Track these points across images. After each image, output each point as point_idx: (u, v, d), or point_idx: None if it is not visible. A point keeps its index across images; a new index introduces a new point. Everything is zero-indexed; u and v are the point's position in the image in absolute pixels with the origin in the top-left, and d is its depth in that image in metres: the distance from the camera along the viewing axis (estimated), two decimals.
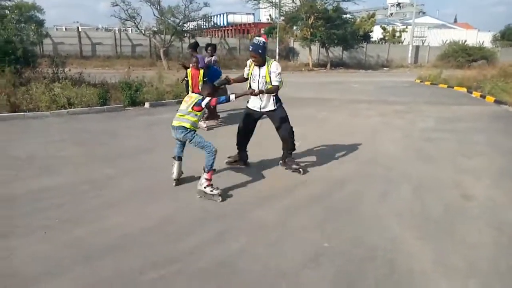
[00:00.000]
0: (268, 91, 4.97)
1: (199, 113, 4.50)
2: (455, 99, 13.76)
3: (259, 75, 5.00)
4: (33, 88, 9.43)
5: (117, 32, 29.57)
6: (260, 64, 4.97)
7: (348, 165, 5.84)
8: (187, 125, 4.41)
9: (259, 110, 5.21)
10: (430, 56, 36.38)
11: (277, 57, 29.53)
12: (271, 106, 5.17)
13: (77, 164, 5.59)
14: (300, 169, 5.38)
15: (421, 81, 20.38)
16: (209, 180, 4.42)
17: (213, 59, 8.47)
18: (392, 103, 12.51)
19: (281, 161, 5.64)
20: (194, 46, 8.56)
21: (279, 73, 4.97)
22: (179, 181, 4.86)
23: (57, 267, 3.04)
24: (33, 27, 14.44)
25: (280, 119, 5.24)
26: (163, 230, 3.69)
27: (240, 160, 5.57)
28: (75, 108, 9.35)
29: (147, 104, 10.52)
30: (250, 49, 4.91)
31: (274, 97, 5.14)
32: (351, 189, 4.89)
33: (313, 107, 11.30)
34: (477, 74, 17.95)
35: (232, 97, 4.50)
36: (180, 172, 4.87)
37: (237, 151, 5.53)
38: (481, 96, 14.20)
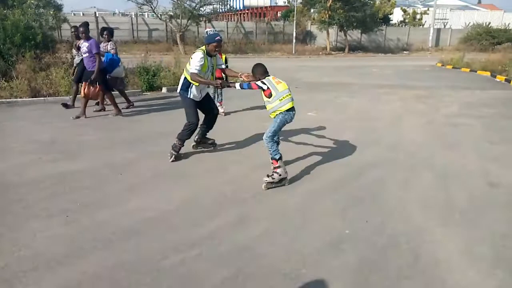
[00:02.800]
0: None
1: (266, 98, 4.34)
2: (478, 84, 13.35)
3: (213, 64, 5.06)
4: (52, 73, 9.52)
5: (133, 16, 29.61)
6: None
7: (370, 151, 5.72)
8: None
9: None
10: (452, 39, 35.31)
11: (294, 41, 29.10)
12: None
13: (98, 148, 5.64)
14: (173, 155, 5.12)
15: (442, 65, 19.84)
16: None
17: (109, 45, 7.77)
18: (413, 87, 12.21)
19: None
20: (111, 32, 8.05)
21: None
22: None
23: (79, 249, 3.07)
24: (51, 12, 14.54)
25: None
26: (183, 214, 3.69)
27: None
28: None
29: (164, 89, 10.52)
30: (219, 38, 4.92)
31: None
32: (373, 175, 4.79)
33: (332, 92, 11.12)
34: (502, 57, 17.36)
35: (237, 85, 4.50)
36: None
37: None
38: (506, 80, 13.74)
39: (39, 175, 4.54)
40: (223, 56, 7.77)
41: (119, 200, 3.96)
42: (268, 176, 4.29)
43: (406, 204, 4.00)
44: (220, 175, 4.71)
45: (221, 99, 8.03)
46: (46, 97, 8.91)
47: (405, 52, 32.71)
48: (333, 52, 29.85)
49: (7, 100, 8.49)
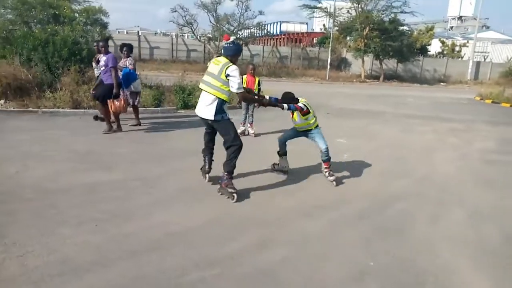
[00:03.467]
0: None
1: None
2: None
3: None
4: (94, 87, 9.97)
5: (174, 37, 30.76)
6: None
7: (399, 183, 5.61)
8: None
9: None
10: (492, 73, 34.36)
11: (328, 67, 29.23)
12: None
13: (131, 161, 5.83)
14: (234, 195, 4.50)
15: (481, 99, 19.28)
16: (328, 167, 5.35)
17: (128, 60, 7.89)
18: (448, 120, 11.93)
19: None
20: (130, 48, 8.05)
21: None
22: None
23: (105, 258, 3.16)
24: (98, 30, 15.37)
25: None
26: (206, 232, 3.73)
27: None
28: (131, 108, 9.77)
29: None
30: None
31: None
32: (401, 208, 4.69)
33: (364, 120, 11.03)
34: None
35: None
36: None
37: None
38: None
39: (73, 183, 4.74)
40: (257, 79, 7.95)
41: (146, 213, 4.06)
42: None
43: (435, 241, 3.88)
44: (245, 196, 4.73)
45: (252, 121, 8.15)
46: (86, 109, 9.34)
47: (442, 83, 32.09)
48: (367, 80, 29.70)
49: (51, 110, 8.97)
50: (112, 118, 7.55)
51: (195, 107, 10.50)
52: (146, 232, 3.65)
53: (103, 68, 7.25)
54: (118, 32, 36.56)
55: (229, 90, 4.39)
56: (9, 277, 2.83)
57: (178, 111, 10.51)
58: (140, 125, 8.41)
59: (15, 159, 5.50)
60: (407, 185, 5.55)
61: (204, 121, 4.64)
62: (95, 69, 8.08)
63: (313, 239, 3.76)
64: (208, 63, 4.66)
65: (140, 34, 30.70)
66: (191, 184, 5.00)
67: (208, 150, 4.98)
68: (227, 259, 3.28)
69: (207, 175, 5.05)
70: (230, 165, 4.52)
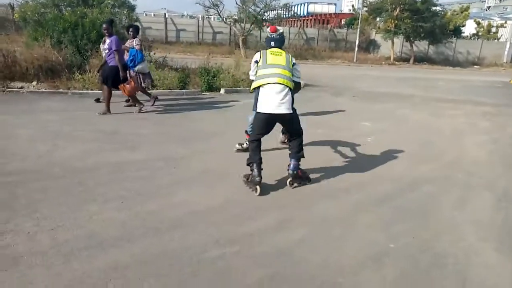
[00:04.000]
0: None
1: None
2: None
3: None
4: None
5: (200, 19, 30.72)
6: None
7: (426, 166, 5.49)
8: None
9: None
10: None
11: (356, 48, 28.57)
12: None
13: (155, 142, 5.95)
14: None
15: None
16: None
17: (135, 41, 7.76)
18: (481, 104, 11.49)
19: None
20: (136, 29, 7.95)
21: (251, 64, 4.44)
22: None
23: (129, 234, 3.27)
24: (125, 12, 15.51)
25: None
26: (227, 212, 3.80)
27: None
28: (157, 90, 9.92)
29: (222, 90, 10.83)
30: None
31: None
32: (426, 191, 4.60)
33: (391, 103, 10.78)
34: None
35: None
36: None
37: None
38: None
39: (100, 163, 4.89)
40: None
41: (168, 192, 4.16)
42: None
43: (459, 224, 3.80)
44: (265, 178, 4.74)
45: None
46: (113, 90, 9.52)
47: (475, 66, 30.79)
48: (396, 63, 28.86)
49: (80, 91, 9.22)
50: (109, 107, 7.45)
51: (219, 89, 10.49)
52: (168, 210, 3.75)
53: (107, 51, 7.23)
54: (146, 15, 36.76)
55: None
56: (41, 249, 2.98)
57: (203, 93, 10.58)
58: (157, 98, 8.36)
59: (46, 139, 5.72)
60: (434, 168, 5.42)
61: (271, 121, 4.28)
62: (102, 52, 7.98)
63: (333, 220, 3.76)
64: (258, 57, 4.35)
65: (166, 16, 30.80)
66: (213, 166, 5.07)
67: (260, 157, 4.38)
68: (247, 237, 3.33)
69: (258, 186, 4.25)
70: (299, 154, 4.42)
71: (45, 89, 9.16)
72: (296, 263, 3.01)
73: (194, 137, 6.36)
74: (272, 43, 4.33)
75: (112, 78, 7.28)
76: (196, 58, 15.45)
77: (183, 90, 10.38)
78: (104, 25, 7.31)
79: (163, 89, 10.11)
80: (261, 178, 4.21)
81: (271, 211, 3.88)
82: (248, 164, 4.36)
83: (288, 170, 4.41)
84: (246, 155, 5.06)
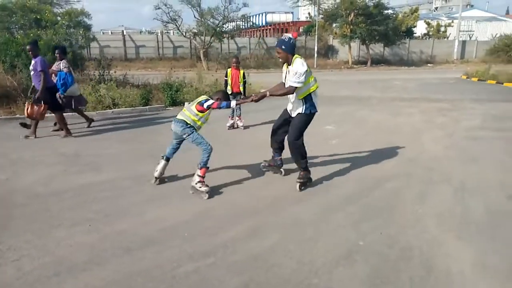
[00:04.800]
0: (273, 93, 4.64)
1: (200, 114, 4.49)
2: (504, 96, 13.06)
3: (286, 73, 4.61)
4: (80, 89, 9.94)
5: (159, 34, 30.54)
6: (285, 61, 4.57)
7: (387, 165, 5.71)
8: (187, 120, 4.48)
9: (289, 113, 4.84)
10: (478, 51, 34.72)
11: (315, 55, 29.30)
12: (299, 111, 4.61)
13: (121, 161, 5.87)
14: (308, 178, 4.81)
15: (467, 78, 19.52)
16: (201, 177, 4.47)
17: (62, 63, 7.45)
18: (436, 100, 12.07)
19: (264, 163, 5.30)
20: (62, 51, 7.73)
21: (298, 73, 4.35)
22: (160, 180, 4.90)
23: (99, 257, 3.21)
24: (81, 32, 15.23)
25: (292, 126, 4.68)
26: (200, 225, 3.80)
27: (273, 166, 5.24)
28: (119, 108, 9.79)
29: (186, 104, 10.78)
30: (275, 44, 4.74)
31: (304, 101, 4.56)
32: (389, 188, 4.79)
33: (352, 106, 11.13)
34: None
35: (232, 103, 4.50)
36: (162, 172, 4.88)
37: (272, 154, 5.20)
38: None
39: (65, 186, 4.77)
40: (241, 72, 7.99)
41: (138, 211, 4.11)
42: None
43: (422, 217, 3.99)
44: (237, 187, 4.81)
45: (240, 113, 8.20)
46: (73, 112, 9.30)
47: (429, 64, 32.30)
48: (355, 66, 29.81)
49: None
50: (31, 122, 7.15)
51: (183, 103, 10.47)
52: (139, 229, 3.71)
53: (32, 72, 6.94)
54: (103, 33, 36.26)
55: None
56: (6, 282, 2.87)
57: (167, 108, 10.52)
58: (93, 120, 8.25)
59: (5, 166, 5.51)
60: (396, 166, 5.65)
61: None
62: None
63: (304, 223, 3.85)
64: (306, 65, 4.48)
65: (125, 33, 30.42)
66: (183, 180, 5.05)
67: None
68: (220, 248, 3.35)
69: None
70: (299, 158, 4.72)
71: (1, 116, 8.82)
72: (270, 268, 3.06)
73: (161, 153, 6.26)
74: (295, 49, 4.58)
75: (52, 101, 7.02)
76: (158, 73, 15.34)
77: (147, 107, 10.28)
78: (28, 46, 7.05)
79: (126, 107, 9.97)
80: None
81: (244, 219, 3.92)
82: (305, 166, 4.72)
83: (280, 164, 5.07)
84: (220, 169, 5.12)
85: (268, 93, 4.58)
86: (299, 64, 4.38)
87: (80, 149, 6.47)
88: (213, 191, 4.59)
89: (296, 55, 4.51)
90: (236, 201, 4.35)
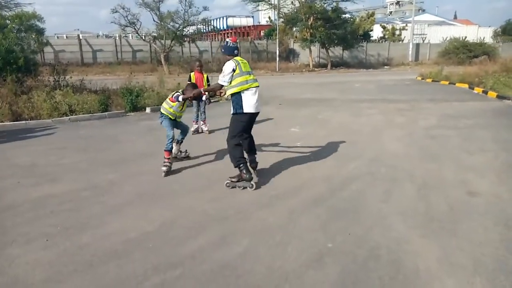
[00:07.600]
0: (208, 89, 5.44)
1: (173, 103, 5.35)
2: (457, 96, 13.70)
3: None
4: (34, 96, 9.47)
5: (117, 38, 29.69)
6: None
7: (351, 165, 5.80)
8: (162, 110, 5.48)
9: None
10: (431, 53, 36.33)
11: (277, 58, 29.57)
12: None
13: (79, 170, 5.59)
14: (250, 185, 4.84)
15: (422, 79, 20.32)
16: (166, 158, 5.31)
17: None
18: (394, 101, 12.47)
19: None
20: None
21: (223, 72, 4.68)
22: (176, 158, 5.77)
23: (58, 274, 3.02)
24: (33, 36, 14.48)
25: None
26: (165, 234, 3.67)
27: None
28: (76, 115, 9.38)
29: (148, 109, 10.53)
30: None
31: (232, 102, 4.85)
32: (354, 188, 4.85)
33: (314, 108, 11.27)
34: (479, 70, 17.86)
35: (180, 97, 5.25)
36: (177, 152, 5.83)
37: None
38: (483, 91, 14.12)
39: (18, 200, 4.47)
40: (205, 76, 7.89)
41: (100, 222, 3.92)
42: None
43: (387, 216, 4.05)
44: (203, 194, 4.70)
45: (205, 118, 8.08)
46: (27, 120, 8.82)
47: (386, 67, 33.44)
48: (316, 69, 30.34)
49: None
50: None
51: (144, 108, 10.26)
52: (101, 242, 3.53)
53: None
54: (58, 38, 34.70)
55: None
56: None
57: (128, 114, 10.20)
58: None
59: None
60: (359, 166, 5.75)
61: (253, 119, 4.95)
62: None
63: (272, 228, 3.81)
64: (234, 66, 4.66)
65: (81, 37, 29.33)
66: (146, 188, 4.88)
67: (244, 157, 4.96)
68: (188, 258, 3.24)
69: (253, 182, 4.86)
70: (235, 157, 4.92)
71: None
72: (240, 276, 2.99)
73: (124, 160, 6.09)
74: (236, 52, 4.88)
75: None
76: (117, 78, 14.86)
77: (106, 113, 9.92)
78: None
79: (83, 113, 9.57)
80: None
81: (211, 227, 3.82)
82: (236, 166, 4.80)
83: (251, 164, 5.10)
84: (185, 175, 4.99)
85: (202, 90, 5.27)
86: (226, 65, 4.72)
87: (35, 159, 6.11)
88: (179, 199, 4.47)
89: (234, 57, 4.78)
90: (202, 209, 4.25)
